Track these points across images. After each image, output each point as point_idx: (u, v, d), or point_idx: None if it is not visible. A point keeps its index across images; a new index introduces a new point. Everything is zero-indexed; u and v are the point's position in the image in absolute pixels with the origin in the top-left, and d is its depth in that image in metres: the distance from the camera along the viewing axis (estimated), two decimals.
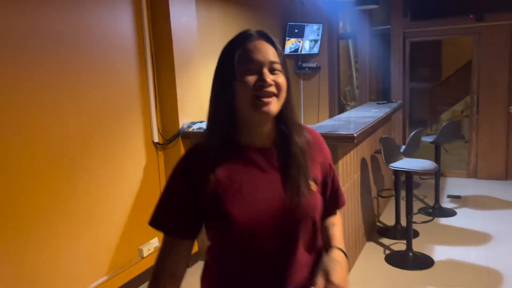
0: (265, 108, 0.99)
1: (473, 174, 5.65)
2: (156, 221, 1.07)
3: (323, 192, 1.16)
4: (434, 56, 9.03)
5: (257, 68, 0.99)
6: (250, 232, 1.00)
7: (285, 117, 1.05)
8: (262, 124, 1.04)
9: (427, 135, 4.93)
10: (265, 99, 0.98)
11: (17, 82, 2.27)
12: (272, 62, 1.00)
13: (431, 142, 4.41)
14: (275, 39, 1.05)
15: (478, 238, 3.77)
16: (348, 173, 3.13)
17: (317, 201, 1.10)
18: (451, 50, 8.96)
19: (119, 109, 2.95)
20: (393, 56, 5.85)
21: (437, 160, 4.45)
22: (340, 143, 2.87)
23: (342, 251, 1.13)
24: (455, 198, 4.86)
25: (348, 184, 3.14)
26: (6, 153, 2.22)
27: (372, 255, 3.53)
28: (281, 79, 1.01)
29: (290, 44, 5.58)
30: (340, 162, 2.93)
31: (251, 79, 0.98)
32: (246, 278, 1.05)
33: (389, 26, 5.86)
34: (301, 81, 6.10)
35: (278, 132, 1.07)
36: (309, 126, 1.23)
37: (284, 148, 1.06)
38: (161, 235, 1.09)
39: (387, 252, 3.56)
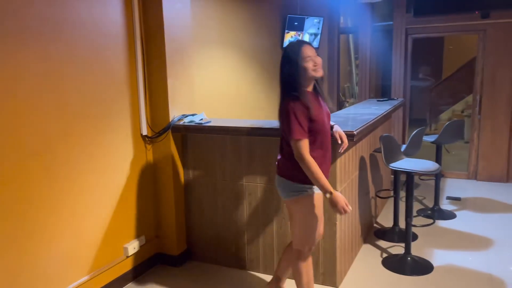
0: (318, 75, 2.27)
1: (473, 175, 5.52)
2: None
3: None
4: (435, 54, 8.87)
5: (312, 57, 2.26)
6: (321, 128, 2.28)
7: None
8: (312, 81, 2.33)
9: (426, 134, 4.78)
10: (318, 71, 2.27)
11: None
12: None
13: (432, 142, 4.26)
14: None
15: (479, 242, 3.64)
16: (346, 172, 2.98)
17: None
18: (452, 49, 8.81)
19: (106, 99, 2.78)
20: (395, 52, 5.69)
21: (438, 160, 4.31)
22: None
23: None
24: (454, 200, 4.73)
25: (346, 184, 2.99)
26: None
27: (369, 258, 3.39)
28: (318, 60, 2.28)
29: (289, 37, 5.41)
30: (338, 160, 2.77)
31: (310, 63, 2.24)
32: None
33: (391, 22, 5.70)
34: None
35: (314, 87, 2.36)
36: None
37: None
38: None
39: (384, 255, 3.42)
